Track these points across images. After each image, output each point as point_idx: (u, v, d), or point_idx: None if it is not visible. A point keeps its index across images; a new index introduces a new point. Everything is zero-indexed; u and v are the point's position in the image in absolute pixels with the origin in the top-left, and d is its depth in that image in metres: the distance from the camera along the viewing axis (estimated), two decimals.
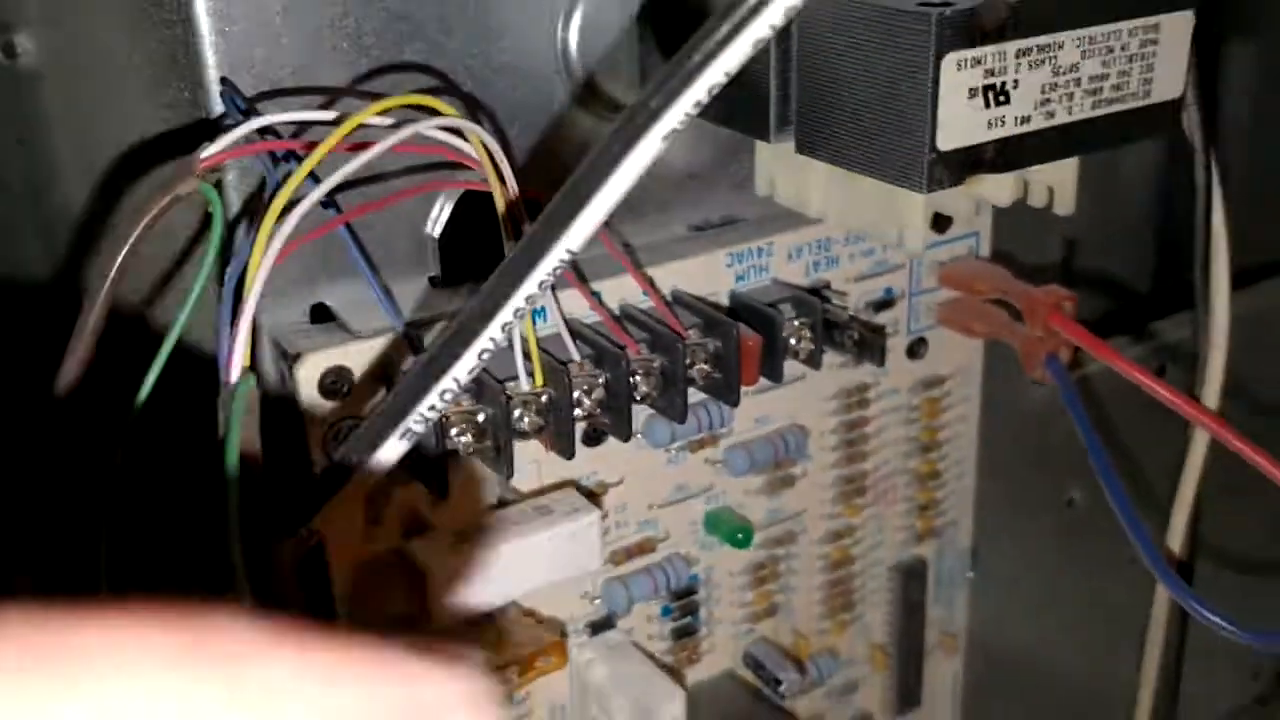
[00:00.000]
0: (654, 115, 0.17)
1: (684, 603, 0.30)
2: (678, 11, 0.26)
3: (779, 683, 0.31)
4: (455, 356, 0.19)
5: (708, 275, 0.28)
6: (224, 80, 0.22)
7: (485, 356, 0.19)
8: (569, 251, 0.18)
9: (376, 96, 0.23)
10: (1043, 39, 0.22)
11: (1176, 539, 0.32)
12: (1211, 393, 0.30)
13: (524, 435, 0.24)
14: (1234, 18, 0.42)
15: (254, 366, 0.21)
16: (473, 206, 0.25)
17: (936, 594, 0.35)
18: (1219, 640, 0.49)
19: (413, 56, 0.25)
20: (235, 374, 0.20)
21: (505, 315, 0.19)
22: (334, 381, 0.23)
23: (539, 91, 0.27)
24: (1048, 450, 0.38)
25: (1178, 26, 0.24)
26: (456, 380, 0.19)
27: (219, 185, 0.22)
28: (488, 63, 0.26)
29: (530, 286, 0.18)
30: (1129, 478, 0.36)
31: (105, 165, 0.30)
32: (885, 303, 0.31)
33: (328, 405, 0.23)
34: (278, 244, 0.20)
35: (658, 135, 0.18)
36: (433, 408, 0.19)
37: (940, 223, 0.30)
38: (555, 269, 0.18)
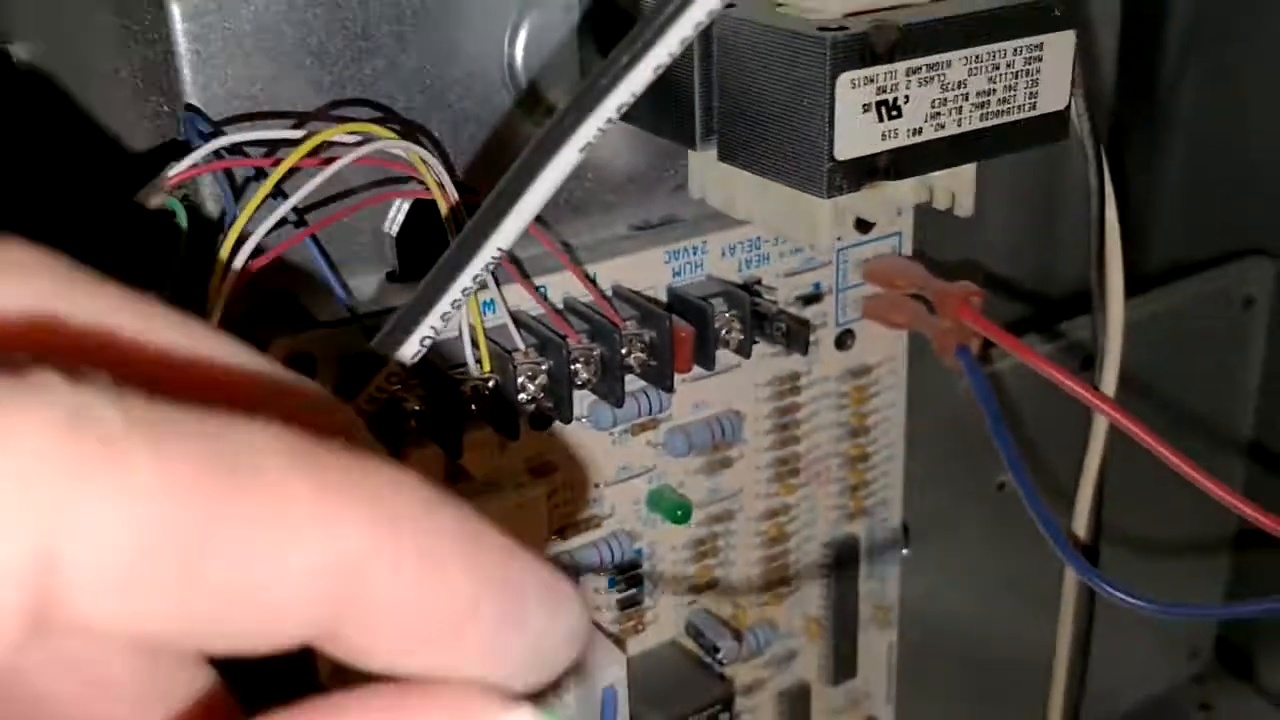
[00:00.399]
0: (570, 129, 0.20)
1: (628, 576, 0.33)
2: (614, 26, 0.29)
3: (718, 650, 0.33)
4: (398, 344, 0.21)
5: (647, 271, 0.30)
6: (188, 106, 0.24)
7: (426, 343, 0.22)
8: (499, 249, 0.21)
9: (338, 119, 0.26)
10: (931, 59, 0.25)
11: (1081, 522, 0.34)
12: (1109, 384, 0.32)
13: (471, 415, 0.27)
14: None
15: None
16: (427, 209, 0.28)
17: (869, 569, 0.37)
18: (1153, 621, 0.52)
19: (371, 73, 0.28)
20: None
21: (444, 306, 0.21)
22: (297, 365, 0.26)
23: (487, 102, 0.29)
24: (978, 437, 0.40)
25: (1060, 44, 0.26)
26: (402, 365, 0.22)
27: (188, 200, 0.25)
28: (440, 77, 0.29)
29: (465, 280, 0.21)
30: (1040, 466, 0.39)
31: (96, 169, 0.33)
32: (813, 297, 0.33)
33: None
34: (241, 258, 0.23)
35: (574, 147, 0.20)
36: (380, 389, 0.22)
37: (863, 225, 0.33)
38: (488, 265, 0.21)
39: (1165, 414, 0.46)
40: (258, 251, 0.24)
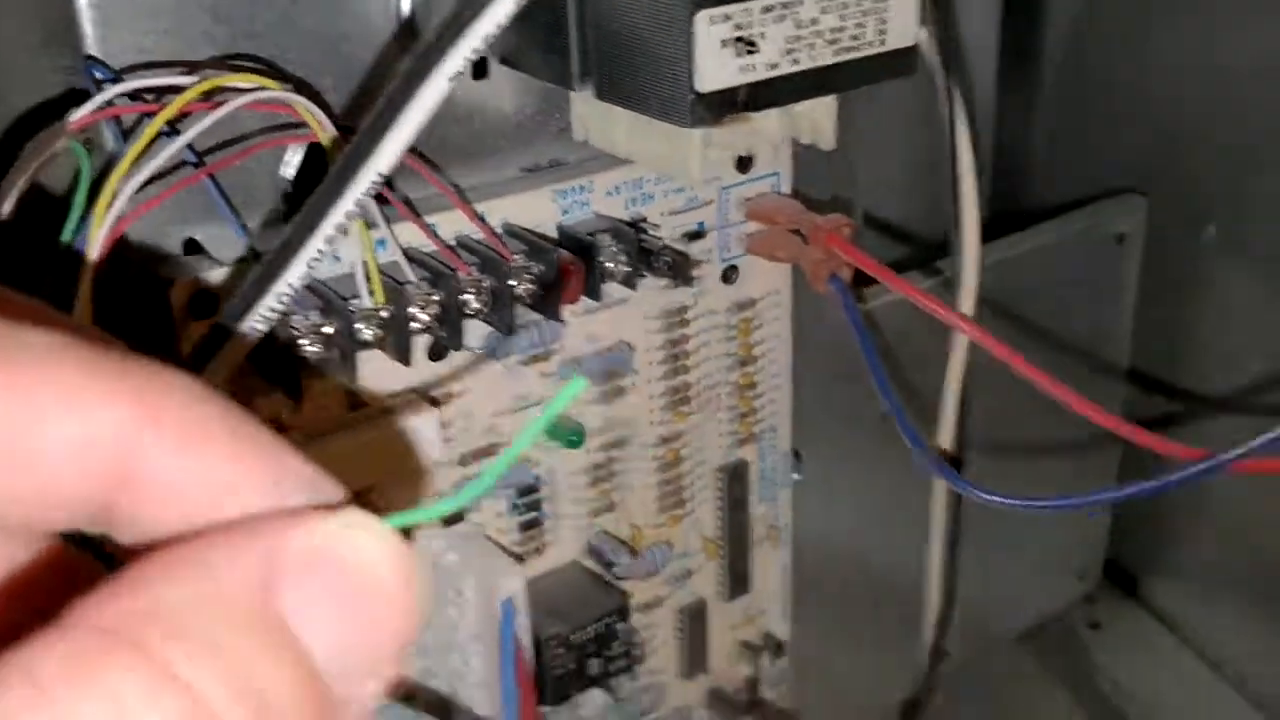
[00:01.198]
0: (432, 60, 0.21)
1: (528, 499, 0.35)
2: None
3: (613, 565, 0.36)
4: (283, 265, 0.23)
5: (536, 210, 0.32)
6: (89, 57, 0.26)
7: (313, 265, 0.23)
8: (377, 176, 0.23)
9: (230, 69, 0.27)
10: None
11: (946, 435, 0.37)
12: (966, 304, 0.35)
13: (367, 345, 0.28)
14: None
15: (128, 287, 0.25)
16: (321, 157, 0.29)
17: (761, 492, 0.40)
18: (1041, 544, 0.55)
19: (264, 27, 0.29)
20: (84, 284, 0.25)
21: (326, 229, 0.23)
22: (199, 301, 0.27)
23: (376, 50, 0.31)
24: (865, 367, 0.43)
25: None
26: (290, 285, 0.23)
27: (89, 144, 0.26)
28: (334, 29, 0.30)
29: (345, 204, 0.23)
30: (918, 392, 0.41)
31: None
32: (697, 234, 0.35)
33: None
34: (125, 194, 0.25)
35: (442, 78, 0.22)
36: (273, 308, 0.23)
37: (743, 163, 0.35)
38: (366, 190, 0.23)
39: (1047, 340, 0.49)
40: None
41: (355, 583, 0.13)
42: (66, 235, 0.25)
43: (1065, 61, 0.56)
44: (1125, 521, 0.58)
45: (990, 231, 0.52)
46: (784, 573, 0.41)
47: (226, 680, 0.12)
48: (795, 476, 0.41)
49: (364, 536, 0.14)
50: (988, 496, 0.32)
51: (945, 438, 0.37)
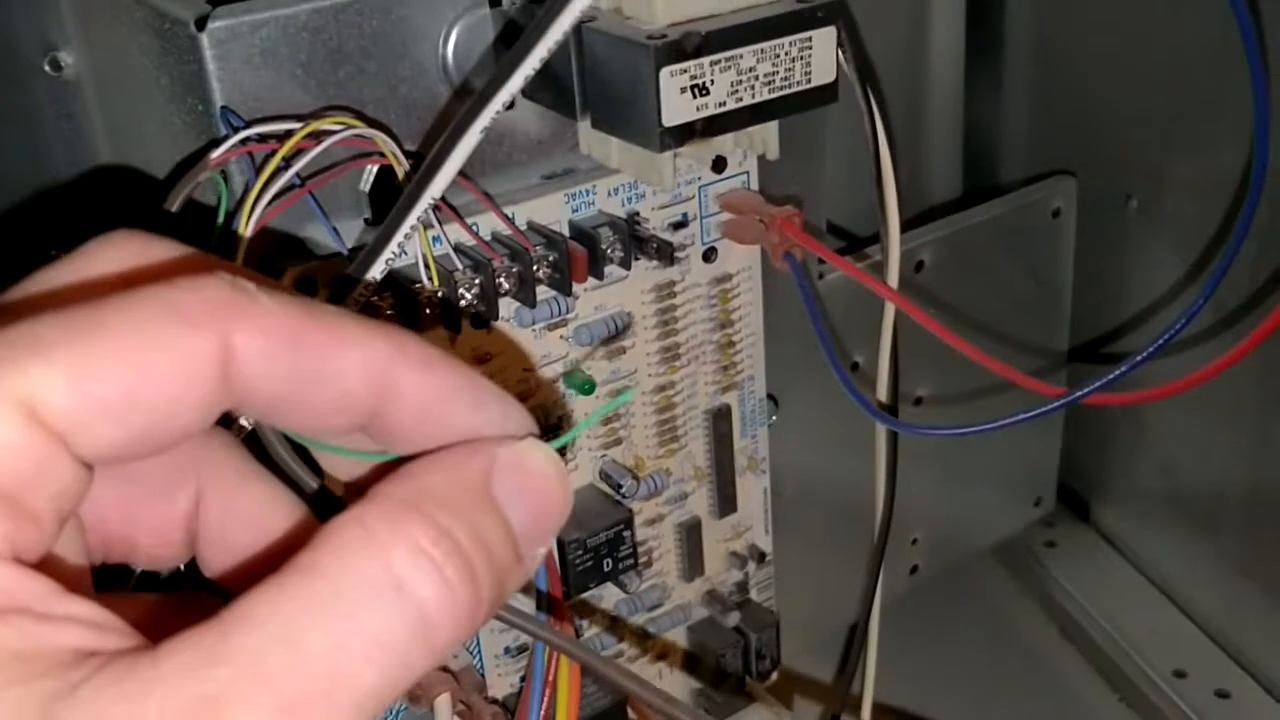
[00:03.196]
0: (471, 119, 0.31)
1: (551, 437, 0.44)
2: (516, 31, 0.40)
3: (621, 488, 0.45)
4: (370, 263, 0.32)
5: (552, 210, 0.42)
6: (224, 108, 0.36)
7: (390, 263, 0.33)
8: (433, 197, 0.32)
9: (327, 114, 0.37)
10: (728, 53, 0.36)
11: (882, 388, 0.46)
12: (892, 277, 0.44)
13: (427, 318, 0.38)
14: None
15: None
16: (389, 174, 0.39)
17: (742, 430, 0.49)
18: (1000, 474, 0.64)
19: (344, 76, 0.39)
20: None
21: (399, 236, 0.32)
22: (304, 286, 0.37)
23: (429, 92, 0.40)
24: (832, 328, 0.52)
25: (825, 36, 0.37)
26: (375, 277, 0.33)
27: (225, 174, 0.36)
28: (395, 75, 0.39)
29: (412, 218, 0.32)
30: (870, 351, 0.50)
31: (135, 157, 0.44)
32: (682, 224, 0.44)
33: None
34: (259, 209, 0.34)
35: (477, 129, 0.31)
36: (361, 294, 0.33)
37: (718, 166, 0.44)
38: (427, 207, 0.32)
39: (993, 306, 0.58)
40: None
41: (536, 482, 0.21)
42: (213, 241, 0.35)
43: (1022, 56, 0.64)
44: (1075, 453, 0.66)
45: (961, 205, 0.61)
46: (764, 496, 0.51)
47: (467, 530, 0.19)
48: (772, 419, 0.50)
49: (540, 454, 0.22)
50: (911, 430, 0.42)
51: (882, 385, 0.46)
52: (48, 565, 0.19)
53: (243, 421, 0.28)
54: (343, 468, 0.24)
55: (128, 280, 0.20)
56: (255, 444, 0.26)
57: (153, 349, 0.19)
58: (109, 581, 0.24)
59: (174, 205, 0.35)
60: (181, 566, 0.24)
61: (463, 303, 0.39)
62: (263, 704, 0.17)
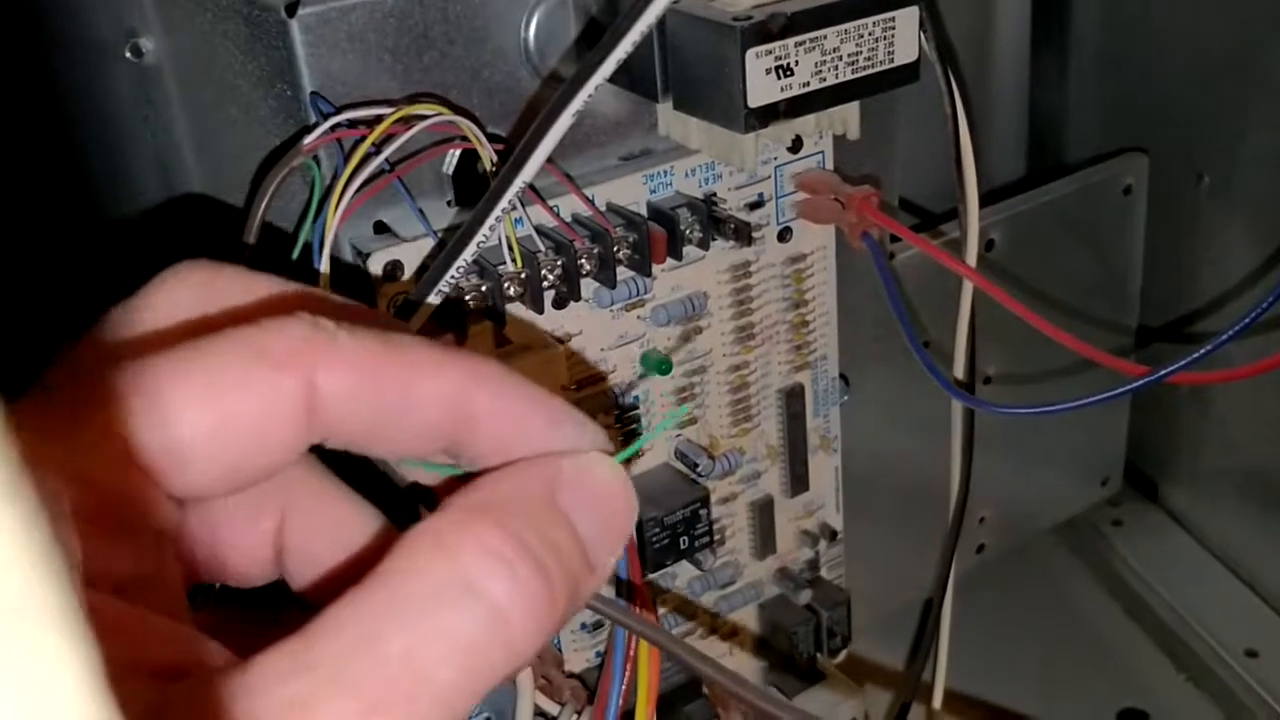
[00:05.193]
0: (563, 105, 0.31)
1: (629, 415, 0.45)
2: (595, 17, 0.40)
3: (697, 467, 0.45)
4: (462, 247, 0.33)
5: (631, 191, 0.42)
6: (314, 93, 0.36)
7: (481, 245, 0.34)
8: (524, 182, 0.33)
9: (416, 100, 0.37)
10: (812, 34, 0.36)
11: (960, 366, 0.46)
12: (971, 255, 0.44)
13: (510, 299, 0.39)
14: None
15: (339, 263, 0.35)
16: (472, 157, 0.39)
17: (815, 410, 0.49)
18: (1067, 453, 0.64)
19: (429, 61, 0.39)
20: (324, 265, 0.35)
21: (490, 221, 0.33)
22: (391, 269, 0.37)
23: (511, 76, 0.41)
24: (908, 306, 0.52)
25: (907, 16, 0.37)
26: (464, 260, 0.33)
27: (317, 159, 0.36)
28: (477, 59, 0.40)
29: (503, 203, 0.33)
30: (946, 329, 0.50)
31: (218, 143, 0.44)
32: (758, 204, 0.45)
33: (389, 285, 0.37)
34: (349, 195, 0.35)
35: (569, 113, 0.32)
36: (453, 277, 0.34)
37: (796, 144, 0.44)
38: (517, 193, 0.33)
39: (1062, 285, 0.58)
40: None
41: (601, 492, 0.22)
42: (305, 227, 0.35)
43: (1089, 31, 0.64)
44: (1142, 433, 0.66)
45: (1025, 185, 0.60)
46: (836, 474, 0.51)
47: (538, 536, 0.20)
48: (844, 398, 0.50)
49: (605, 466, 0.22)
50: (990, 408, 0.42)
51: (959, 364, 0.46)
52: (144, 592, 0.20)
53: None
54: (425, 478, 0.25)
55: (198, 320, 0.22)
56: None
57: (241, 392, 0.20)
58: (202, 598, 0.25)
59: (269, 192, 0.35)
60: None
61: (545, 284, 0.39)
62: (347, 706, 0.18)
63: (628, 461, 0.23)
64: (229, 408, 0.20)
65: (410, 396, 0.21)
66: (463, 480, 0.23)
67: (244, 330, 0.21)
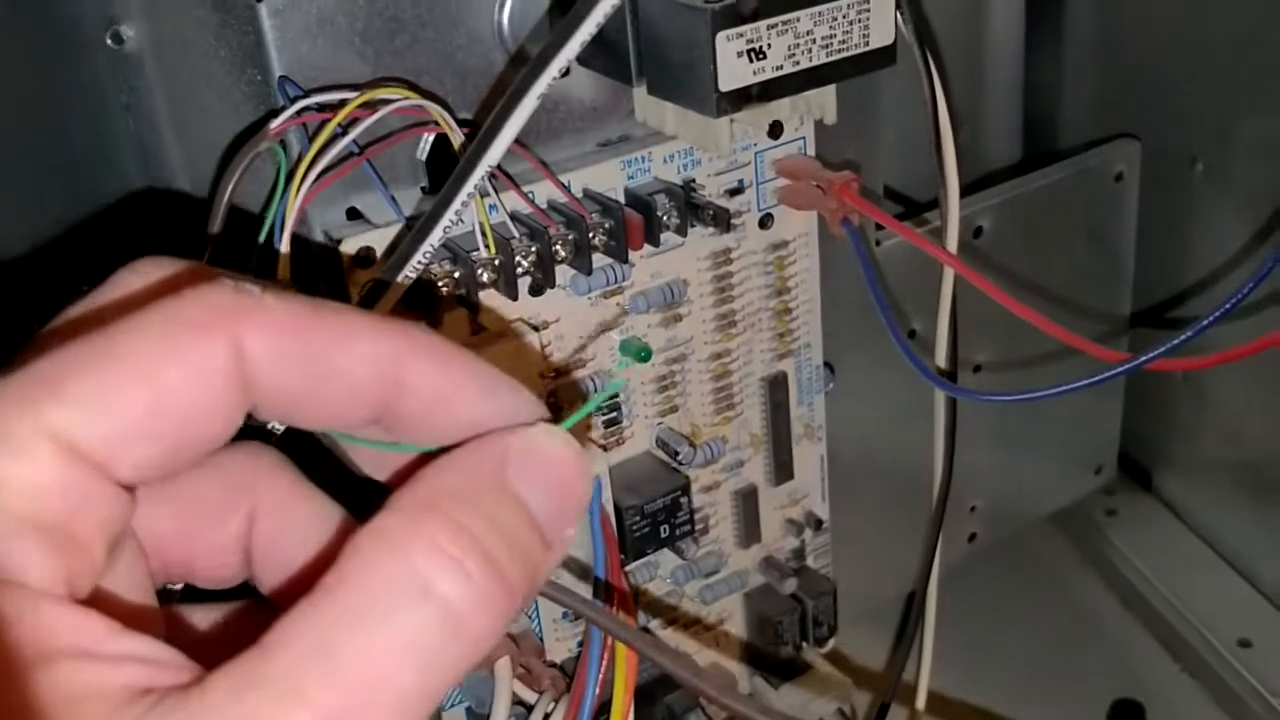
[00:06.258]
0: (526, 85, 0.31)
1: (609, 403, 0.44)
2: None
3: (678, 454, 0.45)
4: (426, 233, 0.32)
5: (607, 177, 0.42)
6: (282, 77, 0.36)
7: (448, 231, 0.33)
8: (490, 164, 0.32)
9: (383, 84, 0.37)
10: (785, 16, 0.35)
11: (941, 354, 0.46)
12: (951, 241, 0.43)
13: (484, 286, 0.38)
14: None
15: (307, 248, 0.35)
16: (447, 141, 0.39)
17: (799, 398, 0.49)
18: (1060, 442, 0.63)
19: (400, 45, 0.39)
20: (284, 245, 0.34)
21: (458, 202, 0.32)
22: (363, 255, 0.37)
23: (485, 59, 0.40)
24: (890, 294, 0.52)
25: None
26: (433, 243, 0.33)
27: (284, 143, 0.36)
28: (450, 43, 0.40)
29: (470, 184, 0.32)
30: (930, 316, 0.50)
31: (196, 128, 0.44)
32: (737, 190, 0.44)
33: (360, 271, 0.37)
34: (311, 177, 0.34)
35: (534, 95, 0.31)
36: (419, 263, 0.33)
37: (774, 132, 0.44)
38: (483, 177, 0.32)
39: (1053, 271, 0.57)
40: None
41: (551, 465, 0.22)
42: (271, 210, 0.35)
43: (1084, 15, 0.63)
44: (1137, 421, 0.65)
45: (1019, 171, 0.60)
46: (821, 463, 0.51)
47: (486, 522, 0.20)
48: (828, 386, 0.50)
49: (553, 437, 0.22)
50: (971, 396, 0.41)
51: (941, 352, 0.46)
52: (105, 599, 0.20)
53: (271, 426, 0.28)
54: (372, 463, 0.25)
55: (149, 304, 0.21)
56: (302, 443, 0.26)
57: (169, 362, 0.20)
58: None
59: (234, 176, 0.35)
60: None
61: (519, 270, 0.39)
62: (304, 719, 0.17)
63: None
64: (159, 379, 0.20)
65: (339, 357, 0.21)
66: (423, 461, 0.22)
67: (166, 301, 0.20)
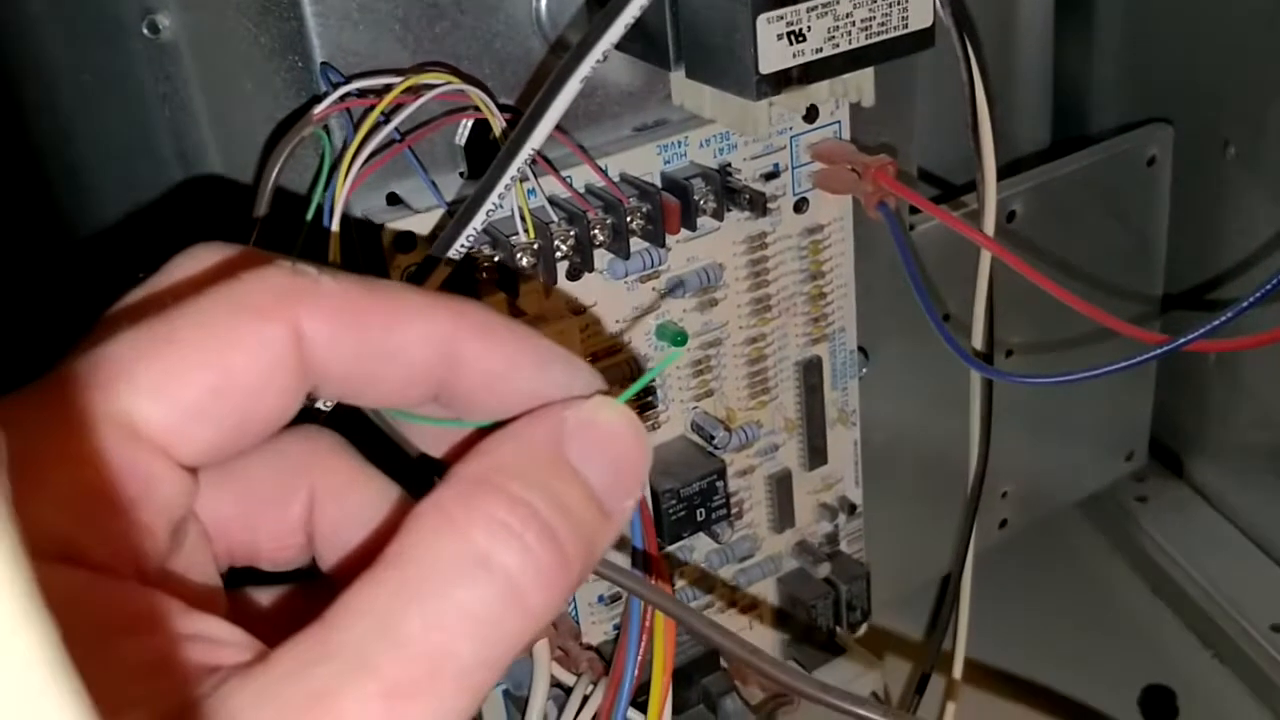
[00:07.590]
0: (569, 72, 0.31)
1: (645, 387, 0.45)
2: None
3: (714, 439, 0.45)
4: (470, 216, 0.33)
5: (644, 161, 0.42)
6: (324, 63, 0.36)
7: (491, 215, 0.33)
8: (533, 148, 0.32)
9: (425, 69, 0.37)
10: None
11: (978, 336, 0.46)
12: (988, 224, 0.43)
13: (523, 270, 0.38)
14: None
15: (350, 234, 0.35)
16: (484, 129, 0.39)
17: (833, 382, 0.49)
18: (1091, 426, 0.63)
19: (440, 31, 0.39)
20: (335, 224, 0.35)
21: (502, 185, 0.33)
22: (403, 241, 0.37)
23: (523, 46, 0.40)
24: (926, 278, 0.52)
25: None
26: (474, 229, 0.33)
27: (327, 129, 0.36)
28: (489, 29, 0.40)
29: (515, 167, 0.32)
30: (964, 300, 0.50)
31: (233, 116, 0.44)
32: (773, 174, 0.44)
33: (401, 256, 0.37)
34: (358, 164, 0.35)
35: (577, 79, 0.31)
36: (463, 245, 0.34)
37: (811, 114, 0.44)
38: (526, 160, 0.32)
39: (1086, 256, 0.57)
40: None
41: (608, 437, 0.22)
42: (316, 195, 0.35)
43: (1115, 3, 0.63)
44: (1169, 407, 0.65)
45: (1050, 155, 0.60)
46: (855, 448, 0.51)
47: (545, 496, 0.20)
48: (863, 371, 0.50)
49: (609, 409, 0.22)
50: (1008, 378, 0.41)
51: (977, 334, 0.46)
52: (172, 581, 0.20)
53: (320, 405, 0.28)
54: (431, 441, 0.25)
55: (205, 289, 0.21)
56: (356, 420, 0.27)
57: (230, 346, 0.20)
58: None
59: (279, 161, 0.35)
60: None
61: (558, 254, 0.39)
62: (370, 691, 0.18)
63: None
64: (220, 363, 0.20)
65: (396, 337, 0.21)
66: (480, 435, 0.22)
67: (225, 286, 0.20)
